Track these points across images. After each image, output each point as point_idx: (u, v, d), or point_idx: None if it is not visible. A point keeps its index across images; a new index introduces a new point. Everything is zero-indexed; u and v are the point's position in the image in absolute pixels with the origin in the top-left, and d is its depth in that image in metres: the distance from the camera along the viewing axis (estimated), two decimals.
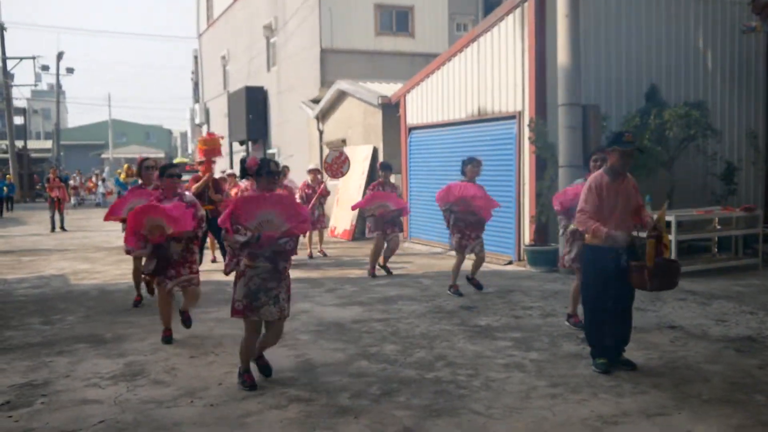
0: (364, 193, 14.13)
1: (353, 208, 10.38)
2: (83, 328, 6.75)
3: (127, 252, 7.67)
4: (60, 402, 4.63)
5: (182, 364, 5.45)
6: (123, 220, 7.44)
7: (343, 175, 12.19)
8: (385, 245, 9.58)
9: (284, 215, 4.69)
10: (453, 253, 8.51)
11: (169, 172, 6.26)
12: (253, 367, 5.00)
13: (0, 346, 6.11)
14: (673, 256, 8.65)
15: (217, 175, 11.33)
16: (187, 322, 6.32)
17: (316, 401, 4.54)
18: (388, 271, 9.68)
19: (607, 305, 5.05)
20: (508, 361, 5.37)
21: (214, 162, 10.34)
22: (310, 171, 11.84)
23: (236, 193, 12.25)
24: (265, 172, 4.78)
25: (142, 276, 7.89)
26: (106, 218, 7.74)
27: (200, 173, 10.18)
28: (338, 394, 4.65)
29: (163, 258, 6.02)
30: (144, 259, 7.81)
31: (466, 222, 7.94)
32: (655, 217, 4.93)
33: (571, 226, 6.25)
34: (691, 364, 5.18)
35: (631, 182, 5.09)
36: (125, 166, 31.48)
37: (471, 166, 8.02)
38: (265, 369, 5.07)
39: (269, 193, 4.78)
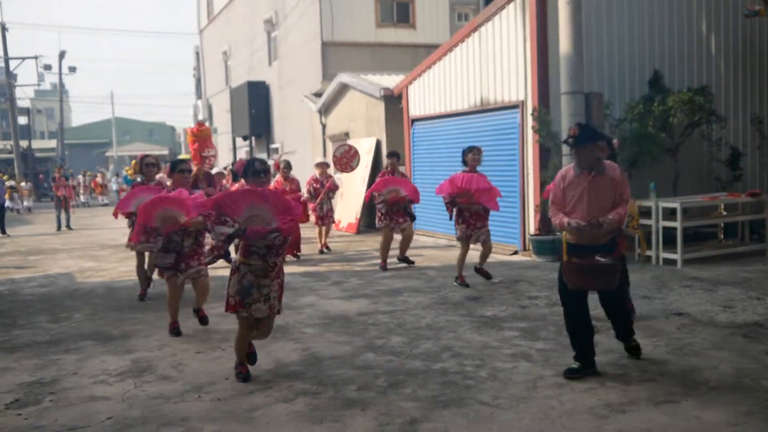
0: (369, 185, 14.15)
1: (366, 198, 10.00)
2: (90, 326, 6.78)
3: (131, 248, 7.72)
4: (68, 399, 4.66)
5: (189, 360, 5.46)
6: (131, 215, 7.51)
7: (352, 169, 11.96)
8: (398, 236, 9.49)
9: (274, 211, 4.66)
10: (458, 244, 8.47)
11: (180, 167, 6.35)
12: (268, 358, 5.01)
13: (8, 345, 6.15)
14: (678, 243, 8.64)
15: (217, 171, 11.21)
16: (203, 320, 6.41)
17: (323, 394, 4.54)
18: (409, 262, 9.65)
19: (582, 307, 4.77)
20: (515, 351, 5.37)
21: (213, 155, 10.15)
22: (318, 165, 11.69)
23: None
24: (250, 173, 4.80)
25: (146, 270, 7.94)
26: (115, 213, 7.87)
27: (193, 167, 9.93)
28: (345, 387, 4.66)
29: (174, 251, 6.05)
30: (147, 254, 7.84)
31: (471, 211, 7.90)
32: (610, 216, 4.56)
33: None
34: (698, 351, 5.17)
35: (609, 177, 4.64)
36: (133, 162, 31.54)
37: (471, 155, 7.96)
38: (251, 357, 5.08)
39: (261, 188, 4.77)
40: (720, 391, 4.33)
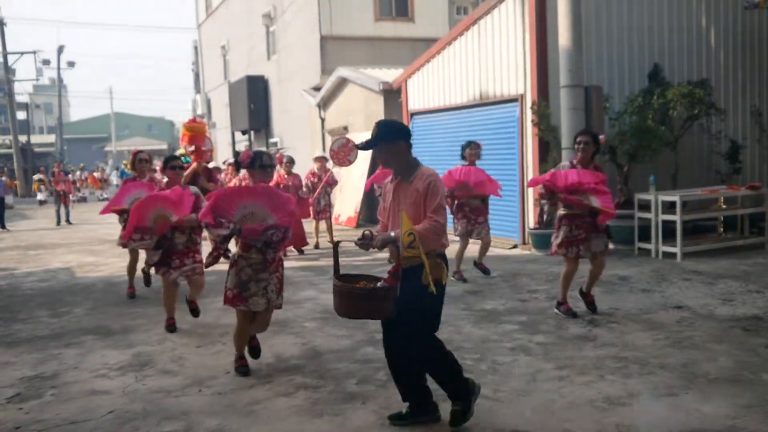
0: (369, 178, 14.11)
1: (367, 187, 9.74)
2: (90, 320, 6.79)
3: (123, 246, 7.66)
4: (69, 393, 4.66)
5: (189, 354, 5.47)
6: (122, 211, 7.40)
7: (350, 163, 11.86)
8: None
9: (269, 207, 4.64)
10: (457, 238, 8.46)
11: (171, 164, 6.29)
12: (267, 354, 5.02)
13: (9, 340, 6.15)
14: (678, 236, 8.64)
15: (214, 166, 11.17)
16: (195, 311, 6.38)
17: (324, 388, 4.55)
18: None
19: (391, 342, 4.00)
20: (515, 344, 5.37)
21: (210, 150, 10.07)
22: (317, 159, 11.63)
23: (236, 184, 12.11)
24: (258, 165, 4.79)
25: (144, 266, 7.92)
26: (104, 211, 7.67)
27: (191, 162, 9.78)
28: (345, 381, 4.67)
29: (167, 249, 6.03)
30: (141, 252, 7.79)
31: (471, 206, 7.90)
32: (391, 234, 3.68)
33: (560, 211, 6.17)
34: (698, 344, 5.18)
35: (414, 188, 3.73)
36: (131, 156, 31.63)
37: (469, 150, 7.96)
38: (254, 351, 5.09)
39: (252, 185, 4.76)
40: (720, 384, 4.34)
